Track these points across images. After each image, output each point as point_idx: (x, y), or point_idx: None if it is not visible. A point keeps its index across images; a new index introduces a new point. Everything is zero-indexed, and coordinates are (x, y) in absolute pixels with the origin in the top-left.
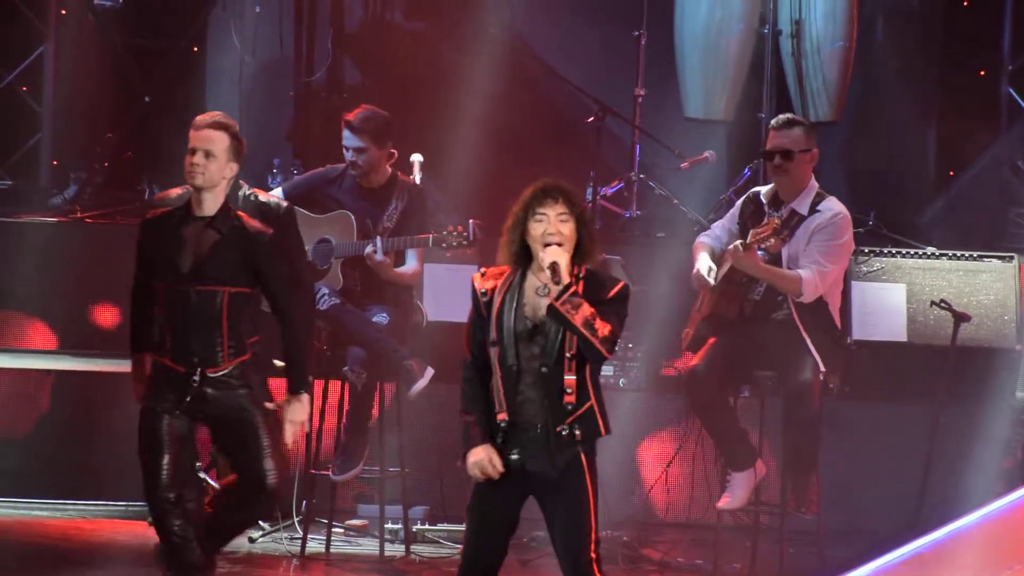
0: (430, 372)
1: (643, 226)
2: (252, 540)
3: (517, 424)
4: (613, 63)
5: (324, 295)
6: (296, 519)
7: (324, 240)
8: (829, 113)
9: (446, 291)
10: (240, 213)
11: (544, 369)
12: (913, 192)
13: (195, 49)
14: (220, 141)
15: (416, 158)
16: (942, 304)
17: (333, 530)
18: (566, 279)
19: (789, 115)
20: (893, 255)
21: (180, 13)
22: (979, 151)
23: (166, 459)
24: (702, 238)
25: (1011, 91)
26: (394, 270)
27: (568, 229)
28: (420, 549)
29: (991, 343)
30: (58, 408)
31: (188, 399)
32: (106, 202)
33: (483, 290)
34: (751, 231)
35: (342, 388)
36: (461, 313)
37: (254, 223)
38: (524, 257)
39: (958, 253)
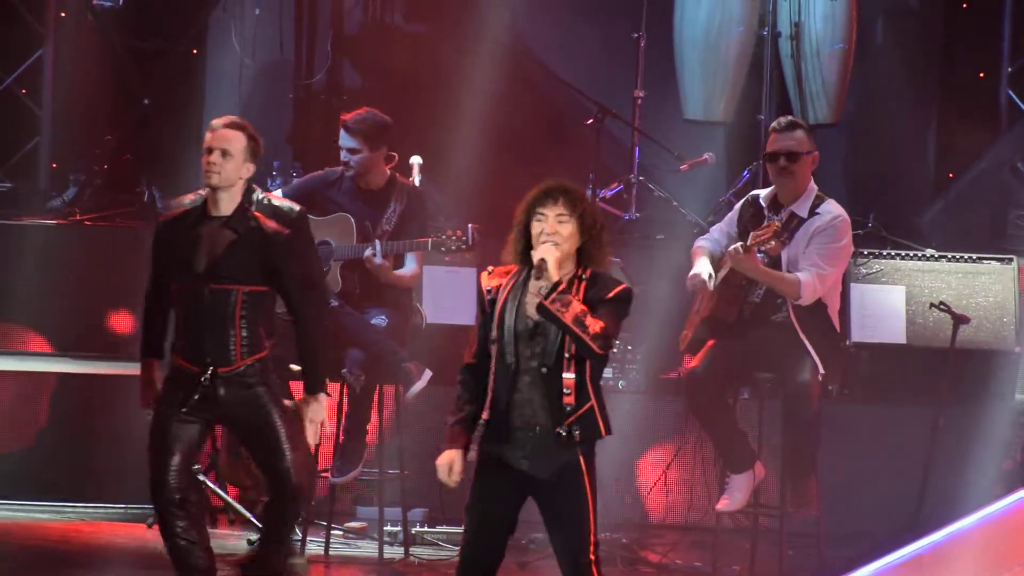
0: (428, 374)
1: (642, 228)
2: (250, 543)
3: (516, 425)
4: (613, 65)
5: None
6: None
7: (323, 243)
8: (828, 115)
9: (445, 293)
10: (257, 213)
11: (544, 369)
12: (912, 194)
13: (195, 51)
14: (237, 141)
15: (415, 160)
16: (941, 306)
17: (332, 532)
18: (555, 276)
19: (790, 117)
20: (892, 257)
21: (180, 15)
22: (978, 153)
23: (174, 460)
24: (700, 242)
25: (1010, 93)
26: (393, 273)
27: (567, 230)
28: (419, 551)
29: (990, 345)
30: (57, 411)
31: (196, 398)
32: (105, 204)
33: (488, 288)
34: (751, 234)
35: (341, 390)
36: (460, 316)
37: (271, 223)
38: (528, 257)
39: (957, 255)
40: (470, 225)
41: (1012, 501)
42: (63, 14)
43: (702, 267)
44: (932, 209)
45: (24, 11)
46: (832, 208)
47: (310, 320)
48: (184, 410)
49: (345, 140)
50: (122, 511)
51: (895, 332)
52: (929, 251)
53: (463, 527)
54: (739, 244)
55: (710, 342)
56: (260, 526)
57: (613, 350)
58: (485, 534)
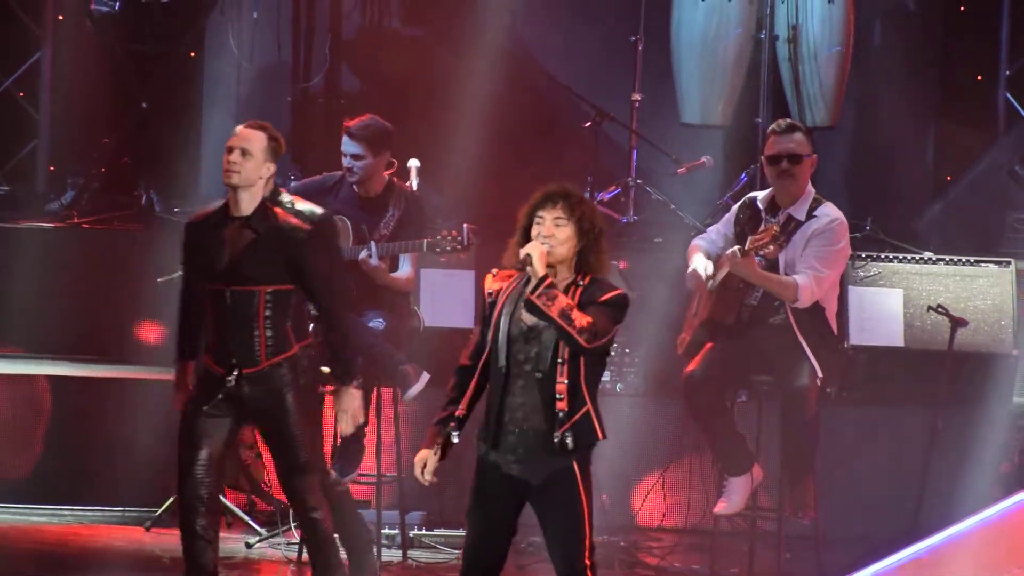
0: (426, 377)
1: (640, 231)
2: (249, 545)
3: (509, 429)
4: (610, 68)
5: None
6: (292, 524)
7: None
8: (826, 118)
9: (443, 296)
10: (277, 210)
11: (538, 374)
12: (910, 197)
13: (192, 54)
14: (257, 140)
15: (413, 163)
16: (939, 309)
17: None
18: (540, 272)
19: (789, 120)
20: (890, 260)
21: (178, 18)
22: (976, 156)
23: (201, 455)
24: (697, 241)
25: (1008, 96)
26: (389, 275)
27: (563, 233)
28: (417, 554)
29: (988, 348)
30: (55, 413)
31: (220, 397)
32: (103, 207)
33: (490, 291)
34: (749, 237)
35: None
36: (458, 318)
37: (290, 218)
38: None
39: (955, 258)
40: (465, 225)
41: (1010, 504)
42: (61, 17)
43: (698, 263)
44: (930, 212)
45: (22, 14)
46: (829, 211)
47: (334, 314)
48: (209, 408)
49: (349, 146)
50: (120, 514)
51: (893, 335)
52: (927, 254)
53: (465, 531)
54: (736, 248)
55: (708, 345)
56: (259, 528)
57: (611, 354)
58: (486, 536)
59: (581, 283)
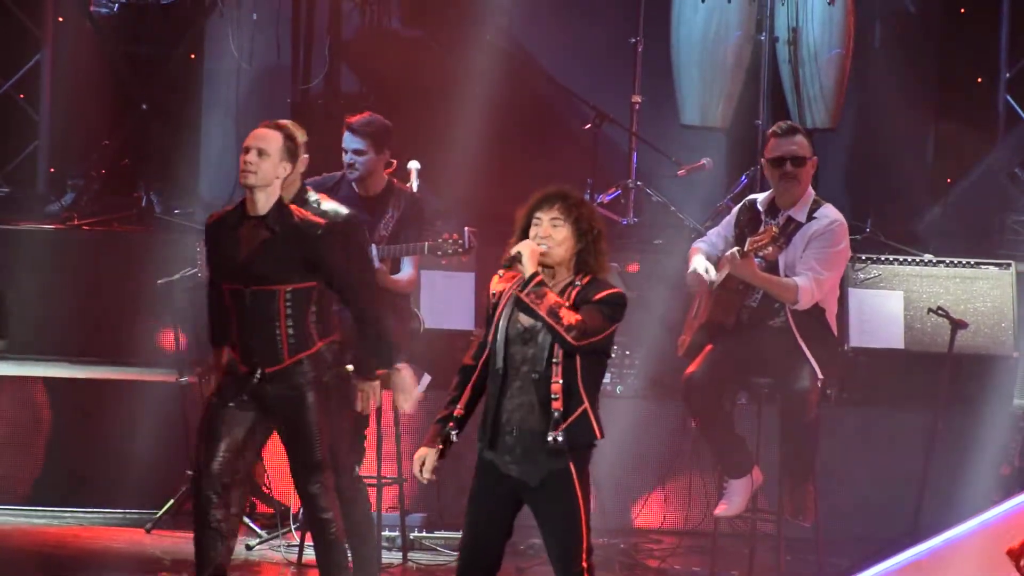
0: (427, 379)
1: (640, 233)
2: (249, 547)
3: (506, 430)
4: (610, 70)
5: None
6: (293, 526)
7: None
8: (826, 120)
9: (443, 298)
10: (293, 207)
11: (535, 375)
12: (910, 199)
13: (192, 56)
14: (274, 140)
15: (413, 165)
16: (939, 311)
17: None
18: (530, 269)
19: (789, 122)
20: (890, 262)
21: (177, 20)
22: (976, 158)
23: (221, 446)
24: (698, 243)
25: (1008, 98)
26: (390, 277)
27: (560, 234)
28: (417, 556)
29: (988, 350)
30: (55, 415)
31: (244, 396)
32: (103, 209)
33: (494, 292)
34: (749, 239)
35: None
36: (458, 320)
37: (306, 215)
38: None
39: (955, 260)
40: (466, 228)
41: (1010, 506)
42: (61, 19)
43: (698, 262)
44: (930, 214)
45: (22, 16)
46: (829, 212)
47: (362, 308)
48: (233, 404)
49: (350, 142)
50: (120, 516)
51: (893, 337)
52: (927, 256)
53: (462, 531)
54: (736, 249)
55: (708, 347)
56: (259, 530)
57: (611, 355)
58: (481, 538)
59: (579, 283)
